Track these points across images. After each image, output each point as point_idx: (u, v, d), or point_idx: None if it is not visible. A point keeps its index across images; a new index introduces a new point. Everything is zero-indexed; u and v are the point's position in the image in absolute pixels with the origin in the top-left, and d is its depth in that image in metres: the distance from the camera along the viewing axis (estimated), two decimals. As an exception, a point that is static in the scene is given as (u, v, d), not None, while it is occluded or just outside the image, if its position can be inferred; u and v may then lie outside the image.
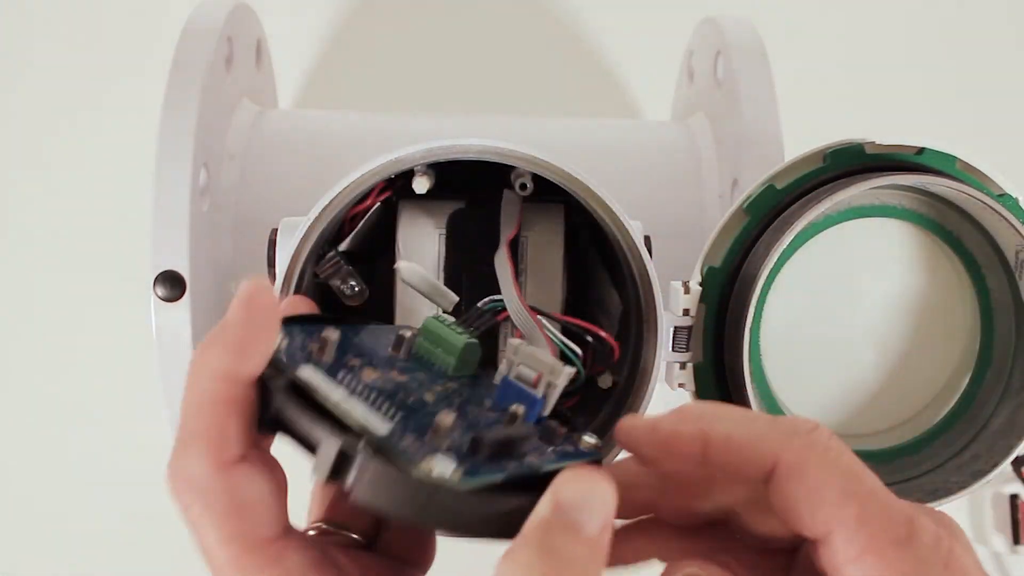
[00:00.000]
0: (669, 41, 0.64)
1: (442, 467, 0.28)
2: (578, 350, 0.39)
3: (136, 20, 0.68)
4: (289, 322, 0.34)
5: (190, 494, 0.29)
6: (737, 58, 0.51)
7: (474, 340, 0.36)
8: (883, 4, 0.72)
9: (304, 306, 0.35)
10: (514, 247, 0.42)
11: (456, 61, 0.70)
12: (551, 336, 0.39)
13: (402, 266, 0.39)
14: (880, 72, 0.72)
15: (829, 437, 0.31)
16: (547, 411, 0.34)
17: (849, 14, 0.72)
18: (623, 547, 0.35)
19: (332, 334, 0.32)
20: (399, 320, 0.42)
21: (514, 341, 0.35)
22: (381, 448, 0.28)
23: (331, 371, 0.32)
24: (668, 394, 0.62)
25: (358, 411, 0.30)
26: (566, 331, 0.43)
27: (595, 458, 0.34)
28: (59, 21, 0.68)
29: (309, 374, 0.31)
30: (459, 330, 0.36)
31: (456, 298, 0.40)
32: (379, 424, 0.29)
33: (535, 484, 0.30)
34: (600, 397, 0.42)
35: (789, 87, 0.53)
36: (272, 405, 0.30)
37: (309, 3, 0.70)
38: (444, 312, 0.40)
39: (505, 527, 0.29)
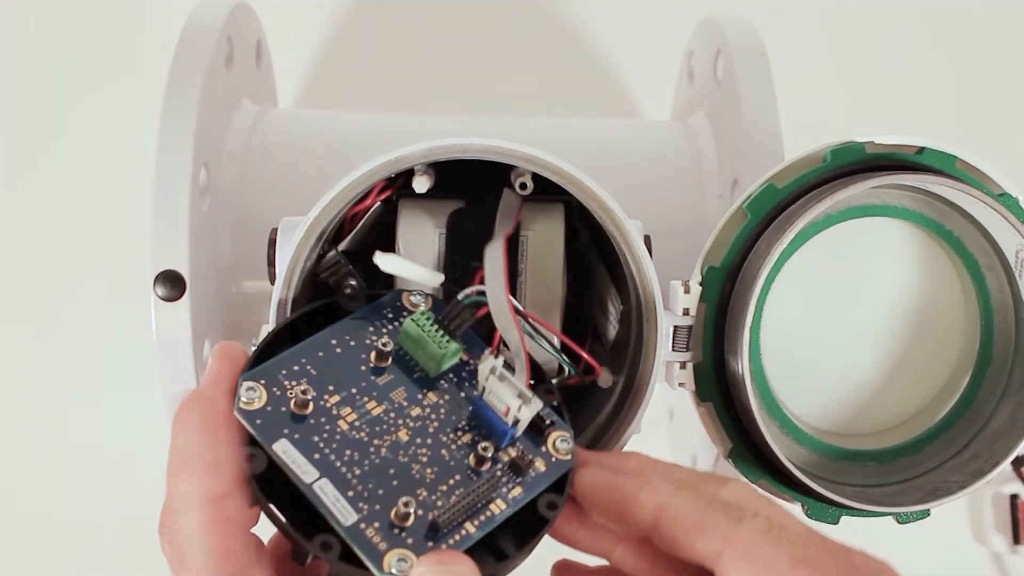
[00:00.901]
0: (669, 41, 0.64)
1: (401, 565, 0.31)
2: (565, 359, 0.39)
3: (136, 19, 0.68)
4: (269, 355, 0.35)
5: None
6: (737, 58, 0.51)
7: (453, 348, 0.36)
8: (883, 4, 0.72)
9: (233, 357, 0.36)
10: (512, 246, 0.42)
11: (456, 61, 0.70)
12: (528, 341, 0.38)
13: (380, 259, 0.38)
14: (880, 72, 0.72)
15: (768, 521, 0.33)
16: (519, 433, 0.35)
17: (849, 14, 0.72)
18: (575, 528, 0.36)
19: (305, 390, 0.34)
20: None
21: (484, 367, 0.35)
22: (347, 545, 0.31)
23: (310, 428, 0.34)
24: (668, 393, 0.62)
25: (328, 495, 0.32)
26: (569, 319, 0.43)
27: (566, 470, 0.35)
28: (59, 21, 0.68)
29: (284, 450, 0.33)
30: (439, 335, 0.36)
31: (442, 277, 0.39)
32: (346, 512, 0.32)
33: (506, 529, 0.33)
34: (600, 397, 0.42)
35: (789, 87, 0.53)
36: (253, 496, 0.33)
37: (309, 3, 0.70)
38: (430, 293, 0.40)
39: None
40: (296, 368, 0.35)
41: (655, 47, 0.67)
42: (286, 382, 0.34)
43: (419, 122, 0.56)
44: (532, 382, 0.36)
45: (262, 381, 0.34)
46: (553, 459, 0.35)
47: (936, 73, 0.72)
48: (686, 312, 0.40)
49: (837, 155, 0.40)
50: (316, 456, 0.33)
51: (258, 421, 0.33)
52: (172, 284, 0.44)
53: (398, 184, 0.41)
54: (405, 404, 0.35)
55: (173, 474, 0.32)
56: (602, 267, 0.44)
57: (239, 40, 0.54)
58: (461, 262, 0.41)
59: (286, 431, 0.33)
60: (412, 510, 0.32)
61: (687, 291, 0.40)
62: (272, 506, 0.32)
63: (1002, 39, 0.73)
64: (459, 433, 0.35)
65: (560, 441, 0.35)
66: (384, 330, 0.37)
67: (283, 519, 0.32)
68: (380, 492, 0.33)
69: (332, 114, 0.59)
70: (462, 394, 0.36)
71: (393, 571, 0.31)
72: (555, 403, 0.37)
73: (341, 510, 0.32)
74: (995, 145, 0.68)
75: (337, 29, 0.70)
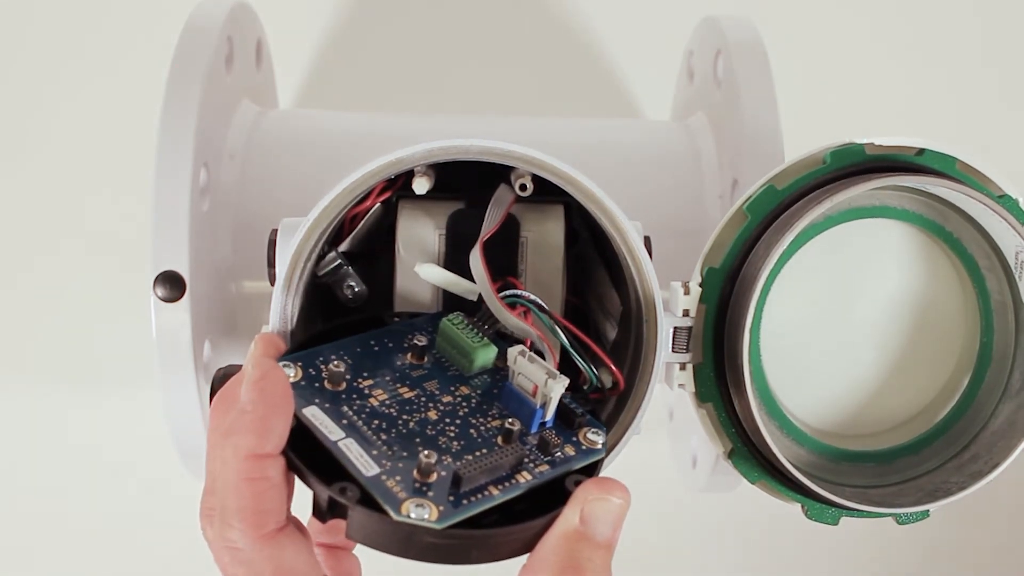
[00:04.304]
0: (669, 41, 0.64)
1: (419, 511, 0.31)
2: (592, 370, 0.40)
3: (136, 19, 0.68)
4: (314, 343, 0.37)
5: (237, 566, 0.32)
6: (737, 58, 0.51)
7: (485, 345, 0.37)
8: (883, 4, 0.72)
9: (274, 346, 0.37)
10: (512, 247, 0.42)
11: (456, 61, 0.70)
12: (551, 341, 0.39)
13: (422, 269, 0.40)
14: (880, 72, 0.72)
15: None
16: (548, 417, 0.36)
17: (849, 14, 0.72)
18: None
19: (339, 365, 0.35)
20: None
21: (513, 350, 0.36)
22: (367, 492, 0.32)
23: (340, 401, 0.35)
24: (668, 394, 0.62)
25: (353, 451, 0.33)
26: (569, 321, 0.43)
27: (597, 458, 0.36)
28: (58, 21, 0.68)
29: (312, 414, 0.34)
30: (472, 333, 0.38)
31: (479, 289, 0.40)
32: (368, 465, 0.32)
33: (530, 499, 0.33)
34: (600, 398, 0.42)
35: (789, 87, 0.53)
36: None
37: (309, 3, 0.70)
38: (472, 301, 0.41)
39: (488, 552, 0.32)
40: (333, 357, 0.36)
41: (655, 47, 0.67)
42: (322, 365, 0.36)
43: (419, 122, 0.56)
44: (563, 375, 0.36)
45: (299, 363, 0.36)
46: (584, 447, 0.36)
47: (936, 74, 0.72)
48: (686, 313, 0.40)
49: (837, 156, 0.40)
50: (344, 422, 0.34)
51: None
52: (172, 284, 0.44)
53: (398, 185, 0.41)
54: (437, 392, 0.37)
55: (219, 434, 0.32)
56: (602, 268, 0.44)
57: (239, 40, 0.54)
58: (461, 263, 0.41)
59: (317, 400, 0.35)
60: (435, 465, 0.32)
61: (687, 292, 0.40)
62: (293, 455, 0.32)
63: (1002, 39, 0.73)
64: (489, 418, 0.36)
65: (592, 433, 0.36)
66: (423, 335, 0.39)
67: (302, 466, 0.32)
68: (405, 454, 0.33)
69: (332, 114, 0.59)
70: (495, 390, 0.37)
71: (411, 515, 0.31)
72: (590, 408, 0.37)
73: (364, 464, 0.32)
74: (995, 146, 0.68)
75: (337, 29, 0.70)
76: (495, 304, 0.38)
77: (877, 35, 0.72)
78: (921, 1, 0.72)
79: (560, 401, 0.36)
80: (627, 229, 0.38)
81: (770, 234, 0.40)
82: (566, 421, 0.36)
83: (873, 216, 0.42)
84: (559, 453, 0.35)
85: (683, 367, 0.41)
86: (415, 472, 0.32)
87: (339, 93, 0.70)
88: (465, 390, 0.37)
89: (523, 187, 0.41)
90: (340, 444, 0.33)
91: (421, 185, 0.40)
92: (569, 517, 0.33)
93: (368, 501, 0.31)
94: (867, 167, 0.40)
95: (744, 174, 0.48)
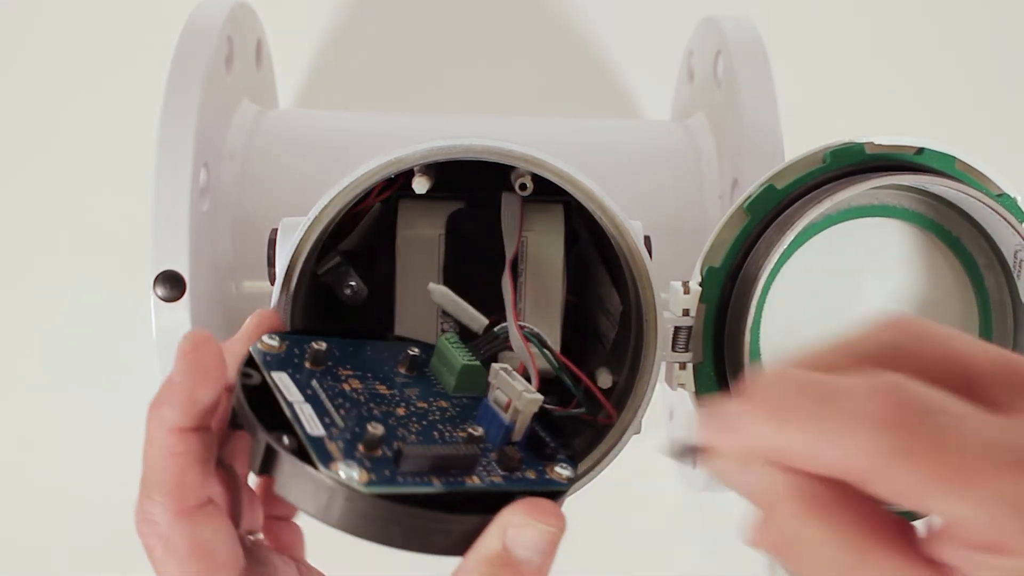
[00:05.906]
0: (669, 41, 0.64)
1: (349, 470, 0.29)
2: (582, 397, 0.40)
3: (136, 20, 0.68)
4: (313, 332, 0.36)
5: (153, 539, 0.32)
6: (737, 58, 0.51)
7: (474, 363, 0.36)
8: (883, 4, 0.72)
9: (269, 321, 0.36)
10: (516, 262, 0.42)
11: (456, 61, 0.70)
12: (540, 366, 0.38)
13: (433, 288, 0.41)
14: (880, 72, 0.72)
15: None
16: (518, 436, 0.34)
17: (849, 14, 0.72)
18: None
19: (320, 344, 0.35)
20: (398, 323, 0.42)
21: (496, 366, 0.35)
22: (303, 448, 0.30)
23: (313, 376, 0.34)
24: (668, 393, 0.62)
25: (305, 413, 0.32)
26: (569, 320, 0.43)
27: (557, 489, 0.33)
28: (58, 21, 0.68)
29: (279, 378, 0.33)
30: (464, 352, 0.37)
31: (486, 321, 0.40)
32: (316, 427, 0.31)
33: (479, 501, 0.31)
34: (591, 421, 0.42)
35: (789, 87, 0.53)
36: (232, 402, 0.32)
37: (309, 3, 0.70)
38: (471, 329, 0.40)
39: (411, 536, 0.30)
40: (324, 343, 0.35)
41: (655, 47, 0.67)
42: (307, 347, 0.35)
43: (419, 122, 0.56)
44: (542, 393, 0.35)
45: (287, 342, 0.35)
46: (546, 476, 0.33)
47: (936, 73, 0.72)
48: (686, 313, 0.40)
49: (837, 156, 0.40)
50: (308, 391, 0.33)
51: (267, 358, 0.34)
52: (172, 284, 0.44)
53: (398, 185, 0.41)
54: (414, 397, 0.35)
55: (155, 399, 0.32)
56: (602, 268, 0.44)
57: (239, 40, 0.54)
58: (460, 263, 0.42)
59: (290, 370, 0.34)
60: (381, 442, 0.31)
61: (687, 292, 0.40)
62: (245, 404, 0.31)
63: (1002, 39, 0.73)
64: (457, 430, 0.34)
65: (560, 467, 0.34)
66: (422, 353, 0.37)
67: (250, 413, 0.31)
68: (356, 430, 0.32)
69: (332, 114, 0.59)
70: (474, 413, 0.35)
71: (340, 474, 0.29)
72: (569, 454, 0.35)
73: (313, 426, 0.31)
74: (995, 145, 0.68)
75: (337, 29, 0.70)
76: (512, 329, 0.38)
77: (877, 35, 0.72)
78: (921, 1, 0.72)
79: (534, 430, 0.34)
80: (627, 229, 0.38)
81: (770, 233, 0.40)
82: (536, 451, 0.34)
83: (873, 215, 0.42)
84: (517, 473, 0.33)
85: (683, 366, 0.41)
86: (360, 445, 0.31)
87: (339, 93, 0.70)
88: (444, 404, 0.36)
89: (523, 187, 0.41)
90: (296, 405, 0.32)
91: (421, 184, 0.40)
92: (489, 540, 0.30)
93: (304, 459, 0.30)
94: (867, 166, 0.40)
95: (744, 174, 0.49)
